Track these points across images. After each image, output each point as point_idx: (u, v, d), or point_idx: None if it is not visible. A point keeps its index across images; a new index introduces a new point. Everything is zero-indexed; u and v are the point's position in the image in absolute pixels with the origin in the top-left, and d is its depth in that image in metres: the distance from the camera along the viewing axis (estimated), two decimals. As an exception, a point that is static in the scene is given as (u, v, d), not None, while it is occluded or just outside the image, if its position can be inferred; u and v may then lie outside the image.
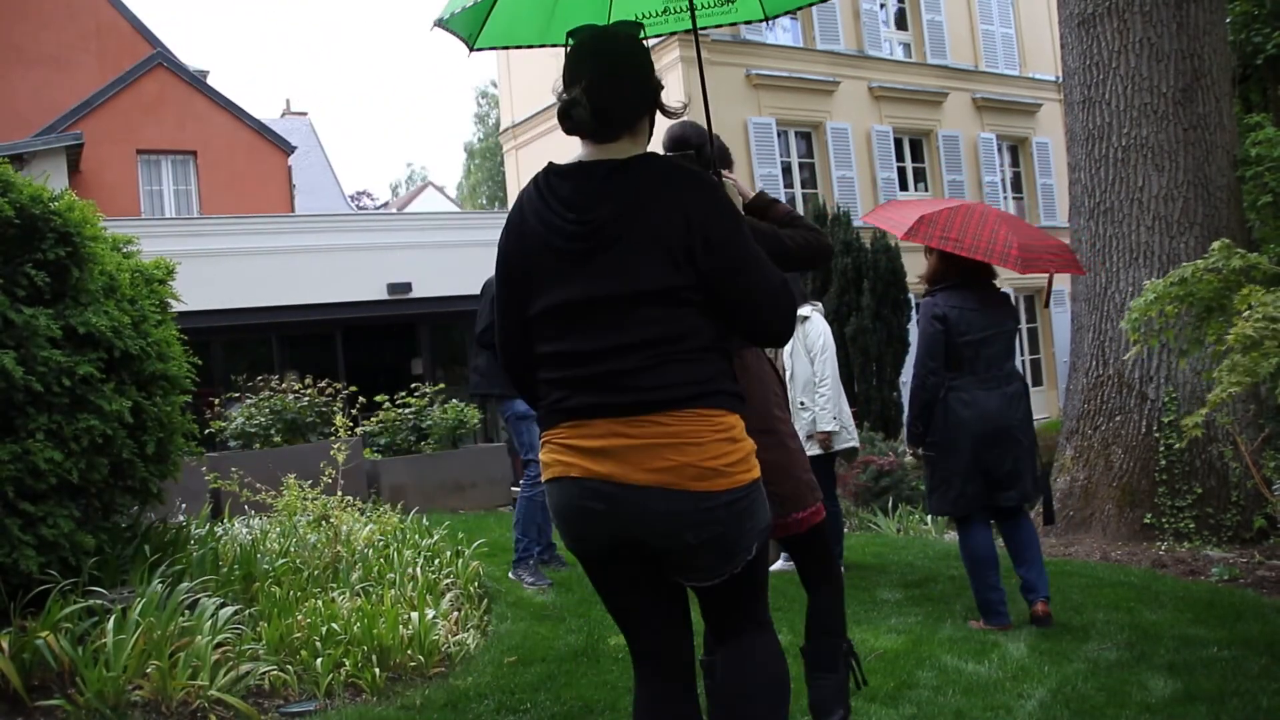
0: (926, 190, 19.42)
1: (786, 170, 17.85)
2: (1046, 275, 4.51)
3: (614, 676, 3.58)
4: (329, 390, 9.19)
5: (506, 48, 2.48)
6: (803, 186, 17.95)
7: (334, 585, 4.27)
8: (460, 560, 4.85)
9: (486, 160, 41.96)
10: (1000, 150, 20.42)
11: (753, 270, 1.96)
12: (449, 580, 4.55)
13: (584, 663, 3.78)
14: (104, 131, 16.82)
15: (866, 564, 5.84)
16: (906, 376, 14.30)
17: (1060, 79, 8.37)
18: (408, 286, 14.13)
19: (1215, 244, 4.25)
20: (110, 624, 3.26)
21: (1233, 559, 5.68)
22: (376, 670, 3.48)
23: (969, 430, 4.14)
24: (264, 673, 3.37)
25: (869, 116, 18.57)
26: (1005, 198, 20.41)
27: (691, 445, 1.86)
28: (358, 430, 9.00)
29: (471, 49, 2.48)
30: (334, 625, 3.67)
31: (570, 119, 1.99)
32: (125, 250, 4.40)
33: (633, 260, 1.90)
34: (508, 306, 2.05)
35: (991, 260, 4.15)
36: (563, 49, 2.09)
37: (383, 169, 72.40)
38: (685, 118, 2.38)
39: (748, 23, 2.67)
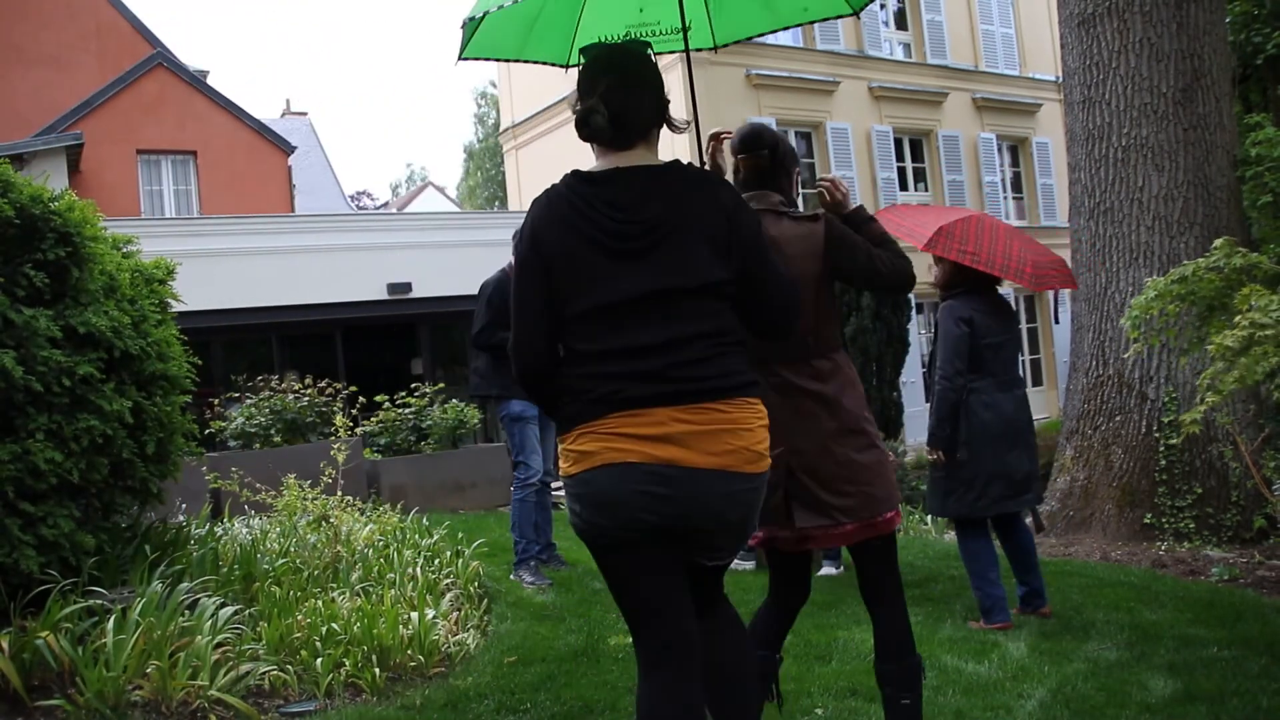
0: (926, 190, 19.43)
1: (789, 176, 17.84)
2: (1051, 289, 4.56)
3: (614, 676, 3.58)
4: (329, 390, 9.19)
5: (489, 59, 2.64)
6: (803, 186, 17.84)
7: (334, 585, 4.27)
8: (460, 560, 4.85)
9: (486, 161, 42.00)
10: (1000, 150, 20.42)
11: (773, 269, 2.15)
12: (449, 580, 4.55)
13: (584, 663, 3.78)
14: (104, 131, 16.82)
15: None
16: (906, 377, 14.28)
17: (1060, 79, 8.37)
18: (408, 286, 14.13)
19: (1217, 242, 4.25)
20: (110, 624, 3.26)
21: (1233, 559, 5.68)
22: (376, 670, 3.48)
23: (990, 432, 4.19)
24: (264, 673, 3.37)
25: (869, 116, 18.58)
26: (1005, 198, 20.41)
27: (745, 431, 2.03)
28: (358, 430, 9.00)
29: (460, 58, 2.65)
30: (334, 625, 3.67)
31: (588, 126, 2.10)
32: (125, 250, 4.40)
33: (686, 255, 2.03)
34: (542, 307, 2.08)
35: (1008, 276, 4.25)
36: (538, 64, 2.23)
37: (383, 169, 72.43)
38: (750, 125, 2.54)
39: (698, 50, 2.81)
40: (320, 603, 3.88)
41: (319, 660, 3.45)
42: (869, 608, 2.72)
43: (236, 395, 9.69)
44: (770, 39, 17.76)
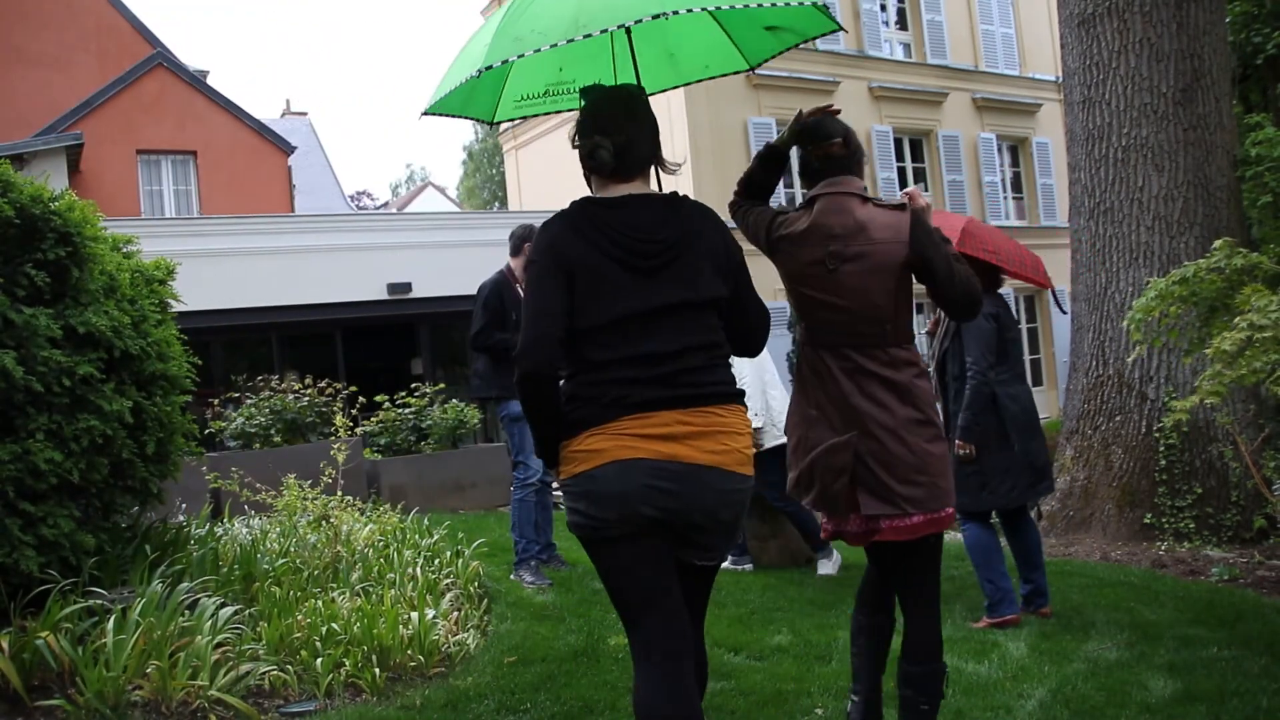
0: (927, 190, 19.42)
1: (787, 170, 17.83)
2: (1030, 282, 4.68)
3: (614, 676, 3.58)
4: (329, 390, 9.19)
5: (440, 114, 2.81)
6: (802, 186, 17.93)
7: (334, 585, 4.27)
8: (460, 560, 4.85)
9: (485, 162, 42.03)
10: (1000, 150, 20.42)
11: (754, 293, 2.43)
12: (449, 580, 4.55)
13: (584, 663, 3.78)
14: (104, 131, 16.81)
15: (866, 564, 5.84)
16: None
17: (1060, 79, 8.37)
18: (408, 286, 14.13)
19: (1217, 243, 4.25)
20: (110, 624, 3.26)
21: (1233, 559, 5.68)
22: (376, 670, 3.48)
23: (1018, 424, 4.26)
24: (264, 673, 3.37)
25: (869, 116, 18.58)
26: (1005, 198, 20.41)
27: (736, 434, 2.24)
28: (358, 430, 9.00)
29: (422, 114, 2.80)
30: (334, 625, 3.67)
31: (594, 159, 2.31)
32: (125, 250, 4.40)
33: (694, 274, 2.27)
34: (559, 308, 2.21)
35: (1024, 273, 4.38)
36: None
37: (383, 169, 72.42)
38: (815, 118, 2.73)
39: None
40: (320, 603, 3.88)
41: (319, 660, 3.45)
42: (904, 606, 2.72)
43: (236, 395, 9.68)
44: (770, 39, 17.76)
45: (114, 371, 3.84)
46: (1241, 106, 8.56)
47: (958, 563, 5.69)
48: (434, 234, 15.01)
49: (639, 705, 2.13)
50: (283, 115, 28.85)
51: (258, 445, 8.70)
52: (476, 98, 2.94)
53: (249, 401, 9.09)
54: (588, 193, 2.39)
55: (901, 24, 19.78)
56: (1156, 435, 6.39)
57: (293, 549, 4.67)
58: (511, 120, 3.17)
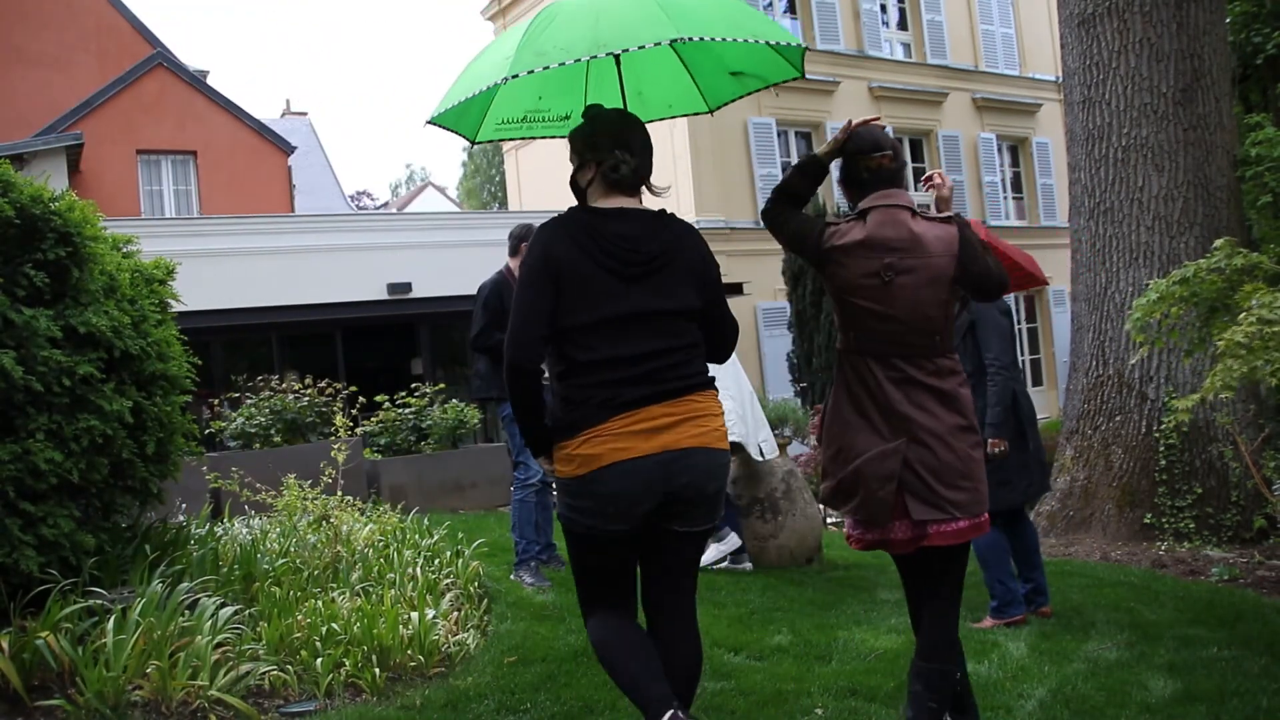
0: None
1: (786, 170, 17.83)
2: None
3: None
4: (329, 390, 9.18)
5: (440, 125, 2.97)
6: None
7: (334, 585, 4.27)
8: (460, 560, 4.85)
9: (485, 163, 42.02)
10: (1000, 150, 20.42)
11: (725, 305, 2.67)
12: (449, 580, 4.55)
13: (584, 663, 3.78)
14: (104, 131, 16.81)
15: (866, 564, 5.84)
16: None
17: (1060, 79, 8.37)
18: (408, 286, 14.12)
19: (1217, 243, 4.25)
20: (110, 624, 3.26)
21: (1233, 559, 5.68)
22: (376, 670, 3.48)
23: (1029, 419, 4.28)
24: (264, 673, 3.37)
25: (869, 116, 18.57)
26: (1005, 198, 20.41)
27: (713, 416, 2.50)
28: (358, 430, 8.99)
29: (426, 121, 3.00)
30: (334, 625, 3.67)
31: (617, 173, 2.53)
32: (125, 250, 4.40)
33: (675, 285, 2.50)
34: (546, 307, 2.43)
35: (1035, 271, 4.47)
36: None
37: (383, 169, 72.39)
38: (874, 126, 2.88)
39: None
40: (320, 603, 3.88)
41: (319, 660, 3.44)
42: (926, 606, 2.75)
43: (236, 395, 9.68)
44: (770, 39, 17.76)
45: (114, 371, 3.84)
46: (1241, 106, 8.56)
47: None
48: (434, 234, 15.01)
49: (592, 638, 2.55)
50: (283, 115, 28.84)
51: (258, 445, 8.70)
52: (469, 115, 3.11)
53: (249, 401, 9.09)
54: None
55: (901, 24, 19.78)
56: (1156, 435, 6.39)
57: (293, 549, 4.66)
58: (490, 141, 3.34)
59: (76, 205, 3.87)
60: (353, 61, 78.81)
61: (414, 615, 3.81)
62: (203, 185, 18.13)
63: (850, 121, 2.84)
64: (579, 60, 2.54)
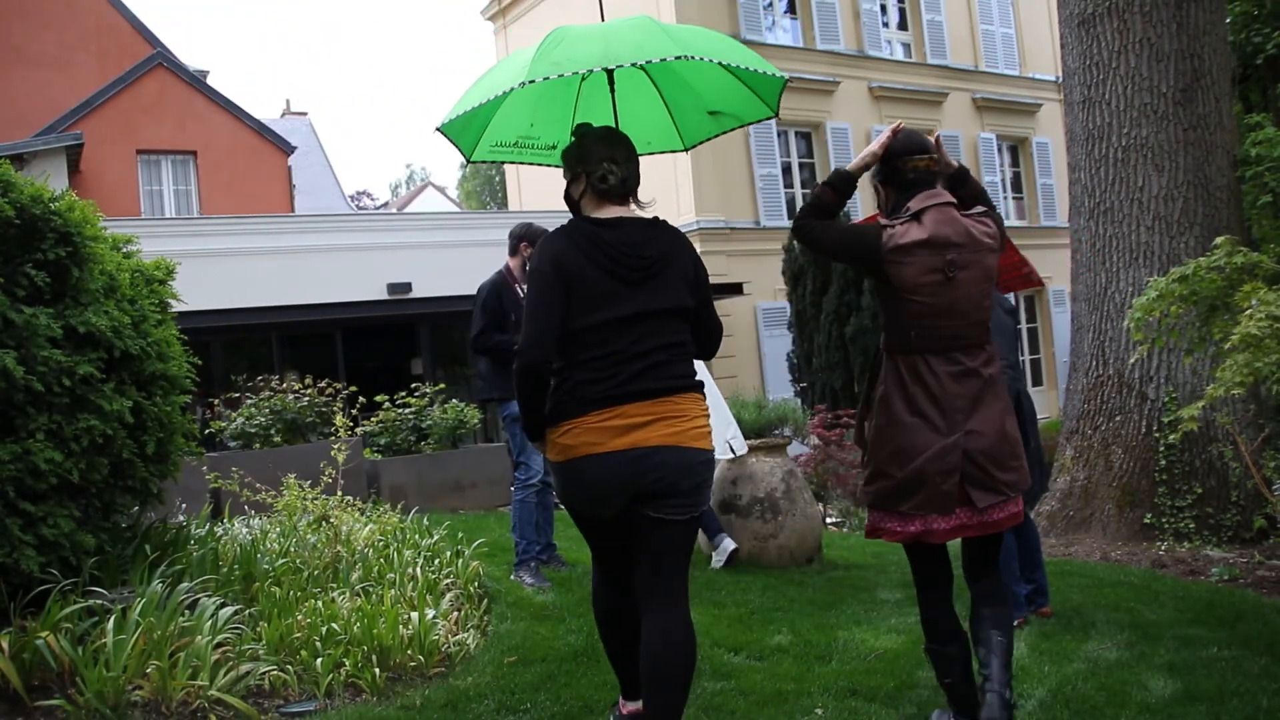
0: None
1: (786, 170, 17.84)
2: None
3: (614, 677, 3.57)
4: (329, 390, 9.17)
5: (447, 135, 3.21)
6: (803, 186, 17.95)
7: (334, 585, 4.27)
8: (460, 560, 4.85)
9: (485, 164, 41.97)
10: (1000, 150, 20.42)
11: (711, 305, 2.89)
12: (449, 580, 4.55)
13: (584, 663, 3.78)
14: (104, 131, 16.81)
15: (866, 564, 5.84)
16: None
17: (1060, 79, 8.37)
18: (408, 286, 14.12)
19: (1218, 241, 4.25)
20: (110, 624, 3.26)
21: (1233, 559, 5.68)
22: (376, 670, 3.48)
23: (1030, 419, 4.35)
24: (264, 673, 3.37)
25: (869, 116, 18.57)
26: (1005, 198, 20.41)
27: (690, 417, 2.68)
28: (358, 430, 8.99)
29: (436, 129, 3.20)
30: (334, 625, 3.67)
31: (605, 183, 2.76)
32: (125, 250, 4.40)
33: (670, 286, 2.72)
34: (557, 312, 2.64)
35: (1033, 271, 4.56)
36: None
37: (383, 169, 72.39)
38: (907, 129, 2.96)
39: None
40: (320, 603, 3.88)
41: (319, 660, 3.45)
42: (977, 583, 2.94)
43: (236, 395, 9.67)
44: (770, 39, 17.79)
45: (114, 371, 3.84)
46: (1241, 106, 8.56)
47: (958, 563, 5.69)
48: (434, 234, 15.01)
49: (595, 601, 2.95)
50: (283, 115, 28.83)
51: (258, 445, 8.69)
52: (469, 132, 3.32)
53: (249, 401, 9.08)
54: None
55: (901, 24, 19.78)
56: (1157, 435, 6.39)
57: (293, 549, 4.66)
58: (480, 161, 3.55)
59: (76, 205, 3.87)
60: (353, 61, 78.84)
61: (414, 615, 3.81)
62: (203, 185, 18.12)
63: (887, 134, 2.94)
64: (591, 71, 2.75)
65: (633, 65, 2.83)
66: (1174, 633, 4.02)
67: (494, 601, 4.68)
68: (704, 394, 2.77)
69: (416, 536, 5.27)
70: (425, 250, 14.33)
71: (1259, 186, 7.02)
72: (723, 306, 16.30)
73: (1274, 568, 5.40)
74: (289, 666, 3.46)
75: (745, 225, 16.96)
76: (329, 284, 13.50)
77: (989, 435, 2.77)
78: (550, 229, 4.53)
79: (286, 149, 19.20)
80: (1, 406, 3.41)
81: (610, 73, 3.01)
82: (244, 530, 5.21)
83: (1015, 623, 4.18)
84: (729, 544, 5.59)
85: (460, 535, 5.57)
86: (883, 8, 19.44)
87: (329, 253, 13.76)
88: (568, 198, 2.85)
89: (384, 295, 14.06)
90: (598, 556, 2.97)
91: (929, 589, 2.95)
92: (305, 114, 29.37)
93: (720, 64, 2.89)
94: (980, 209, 2.91)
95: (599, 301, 2.63)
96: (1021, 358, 18.63)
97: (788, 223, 16.57)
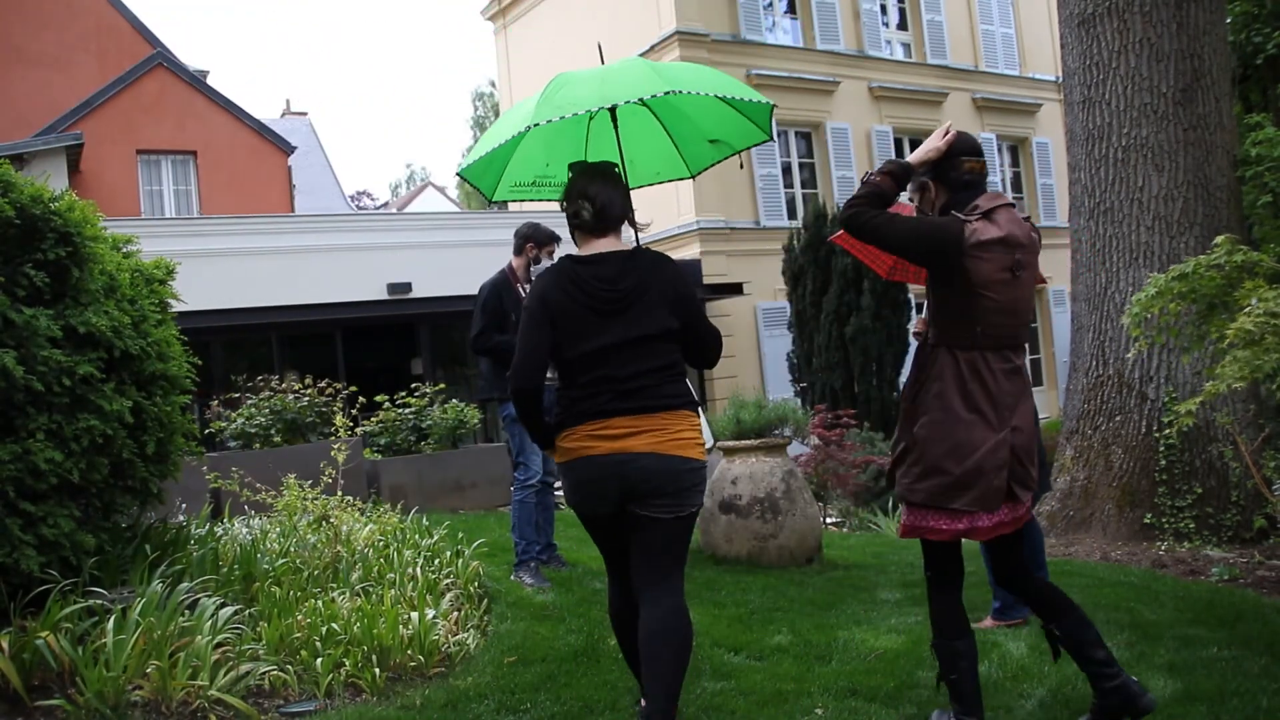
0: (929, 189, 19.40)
1: (786, 170, 17.84)
2: None
3: (614, 676, 3.58)
4: (329, 390, 9.17)
5: (467, 178, 3.47)
6: (803, 186, 17.95)
7: (334, 585, 4.27)
8: (460, 560, 4.85)
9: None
10: (1000, 150, 20.42)
11: (703, 321, 3.05)
12: (449, 580, 4.55)
13: (584, 663, 3.78)
14: (104, 131, 16.81)
15: (866, 564, 5.85)
16: (906, 376, 14.27)
17: (1060, 79, 8.37)
18: (408, 286, 14.12)
19: (1218, 239, 4.25)
20: (110, 624, 3.26)
21: (1233, 559, 5.68)
22: (376, 670, 3.48)
23: (1032, 419, 4.29)
24: (264, 673, 3.37)
25: (869, 116, 18.58)
26: (1005, 198, 20.39)
27: (675, 429, 2.90)
28: (358, 430, 8.98)
29: (456, 173, 3.53)
30: (334, 625, 3.67)
31: (578, 219, 2.99)
32: (125, 250, 4.40)
33: (648, 313, 2.91)
34: (544, 343, 2.92)
35: None
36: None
37: (383, 169, 72.34)
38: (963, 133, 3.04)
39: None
40: (320, 603, 3.88)
41: (319, 660, 3.45)
42: (1021, 575, 3.01)
43: (236, 395, 9.67)
44: (770, 38, 17.79)
45: (114, 371, 3.84)
46: (1241, 106, 8.55)
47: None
48: (434, 234, 15.01)
49: (610, 605, 3.11)
50: (283, 115, 28.84)
51: (258, 445, 8.69)
52: (489, 174, 3.60)
53: (249, 401, 9.08)
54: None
55: (901, 24, 19.78)
56: (1157, 435, 6.38)
57: (293, 549, 4.66)
58: (502, 201, 3.78)
59: (76, 205, 3.87)
60: (353, 61, 78.83)
61: (414, 615, 3.82)
62: (203, 185, 18.13)
63: (950, 129, 2.98)
64: (589, 111, 3.00)
65: (631, 102, 3.09)
66: (1174, 633, 4.01)
67: (494, 601, 4.68)
68: (696, 411, 2.97)
69: (416, 536, 5.27)
70: (425, 250, 14.33)
71: (1259, 186, 7.01)
72: (723, 306, 16.31)
73: (1274, 568, 5.40)
74: (289, 666, 3.46)
75: (745, 225, 16.96)
76: (329, 284, 13.50)
77: (1027, 432, 2.87)
78: (553, 229, 4.84)
79: (286, 149, 19.20)
80: (1, 406, 3.41)
81: (613, 111, 3.23)
82: (244, 530, 5.21)
83: (1016, 623, 4.20)
84: None
85: (460, 535, 5.56)
86: (883, 8, 19.44)
87: (329, 253, 13.76)
88: (571, 234, 3.13)
89: (384, 295, 14.06)
90: (606, 560, 3.15)
91: (944, 585, 2.98)
92: (305, 114, 29.38)
93: (712, 95, 3.10)
94: (1024, 215, 3.01)
95: (582, 333, 2.91)
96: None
97: (788, 223, 16.57)
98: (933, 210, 2.98)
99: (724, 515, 5.76)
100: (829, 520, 8.81)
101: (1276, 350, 3.54)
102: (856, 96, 18.39)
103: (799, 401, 13.40)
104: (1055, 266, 12.50)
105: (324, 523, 4.98)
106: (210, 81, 19.70)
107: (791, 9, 18.33)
